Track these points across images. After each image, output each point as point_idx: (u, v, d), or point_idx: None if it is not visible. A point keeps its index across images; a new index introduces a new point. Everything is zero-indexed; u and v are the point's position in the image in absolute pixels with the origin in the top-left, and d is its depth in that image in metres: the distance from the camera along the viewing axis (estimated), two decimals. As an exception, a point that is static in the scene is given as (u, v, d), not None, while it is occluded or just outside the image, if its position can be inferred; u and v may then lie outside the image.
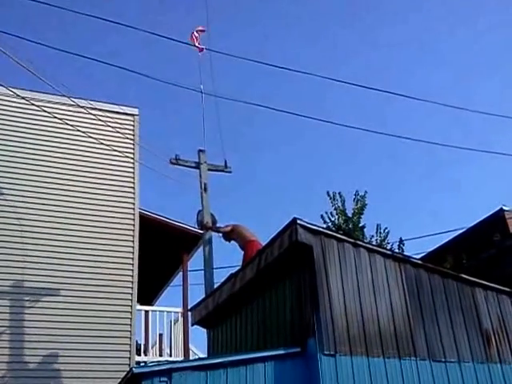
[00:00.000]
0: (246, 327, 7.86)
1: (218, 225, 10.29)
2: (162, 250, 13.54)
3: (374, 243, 14.26)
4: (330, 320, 6.45)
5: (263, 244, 8.13)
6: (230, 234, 10.01)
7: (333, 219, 15.37)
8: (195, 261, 13.91)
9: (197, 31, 10.51)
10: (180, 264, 13.76)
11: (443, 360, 6.87)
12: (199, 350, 15.40)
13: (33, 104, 10.83)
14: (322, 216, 15.27)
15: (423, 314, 7.10)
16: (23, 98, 10.78)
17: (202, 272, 10.17)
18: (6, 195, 10.86)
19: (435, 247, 14.30)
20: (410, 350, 6.78)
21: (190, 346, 12.71)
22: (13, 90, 10.40)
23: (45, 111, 10.80)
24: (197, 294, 12.28)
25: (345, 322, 6.55)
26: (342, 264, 6.86)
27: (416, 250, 13.79)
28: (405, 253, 13.52)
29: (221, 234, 10.16)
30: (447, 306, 7.33)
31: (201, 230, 10.65)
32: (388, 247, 14.38)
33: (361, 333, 6.59)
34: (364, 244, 7.48)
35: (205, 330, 9.16)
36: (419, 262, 7.65)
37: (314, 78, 11.43)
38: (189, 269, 13.87)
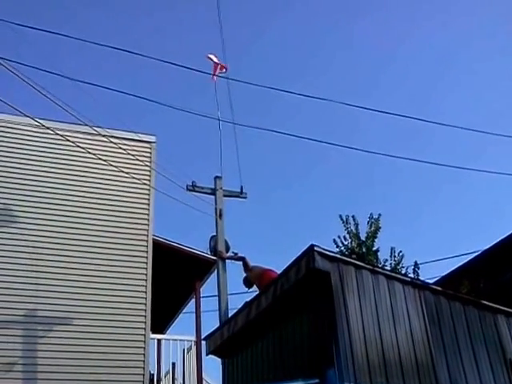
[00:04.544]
0: (262, 357, 7.72)
1: (230, 252, 10.23)
2: (174, 277, 13.38)
3: (389, 267, 14.10)
4: (349, 349, 6.30)
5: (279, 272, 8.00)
6: (249, 274, 9.97)
7: (346, 243, 15.24)
8: (208, 286, 13.78)
9: (216, 64, 10.57)
10: (193, 291, 13.58)
11: (466, 390, 6.71)
12: (213, 379, 15.14)
13: (57, 134, 10.80)
14: (334, 240, 15.15)
15: (444, 343, 6.95)
16: (48, 128, 10.74)
17: (214, 298, 10.10)
18: (20, 223, 10.79)
19: (451, 270, 14.12)
20: (431, 379, 6.63)
21: (204, 375, 12.50)
22: (38, 120, 10.38)
23: (69, 141, 10.78)
24: (209, 321, 12.14)
25: (364, 350, 6.39)
26: (360, 291, 6.74)
27: (432, 273, 13.61)
28: (420, 277, 13.38)
29: (243, 277, 10.16)
30: (468, 333, 7.18)
31: (214, 255, 10.58)
32: (403, 271, 14.22)
33: (381, 362, 6.44)
34: (382, 271, 7.36)
35: (219, 360, 9.02)
36: (439, 288, 7.51)
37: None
38: (201, 295, 13.72)
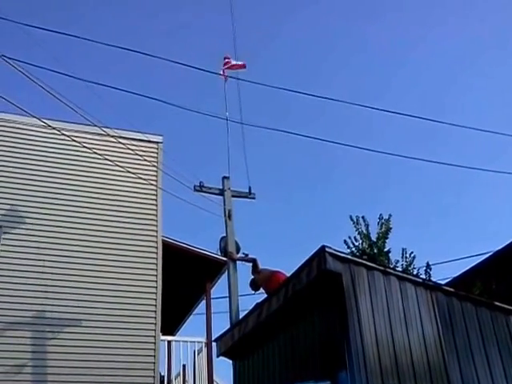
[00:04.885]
0: (273, 359, 7.66)
1: (241, 253, 10.19)
2: (184, 278, 13.35)
3: (400, 268, 14.00)
4: (361, 351, 6.22)
5: (289, 274, 7.94)
6: (257, 276, 9.94)
7: (356, 244, 15.14)
8: (218, 287, 13.75)
9: (227, 64, 10.57)
10: (203, 292, 13.54)
11: (479, 394, 6.62)
12: (224, 381, 15.08)
13: (63, 134, 10.81)
14: (345, 241, 15.05)
15: (456, 344, 6.85)
16: (54, 128, 10.75)
17: (225, 299, 10.07)
18: (27, 224, 10.81)
19: (463, 271, 14.02)
20: (443, 382, 6.52)
21: (215, 377, 12.45)
22: (44, 120, 10.39)
23: (75, 141, 10.80)
24: (220, 322, 12.10)
25: (376, 353, 6.31)
26: (371, 292, 6.66)
27: (444, 274, 13.51)
28: (432, 278, 13.27)
29: (250, 279, 10.12)
30: (481, 335, 7.08)
31: (224, 256, 10.55)
32: (414, 272, 14.11)
33: (393, 364, 6.35)
34: (394, 272, 7.27)
35: (230, 361, 8.96)
36: (451, 289, 7.40)
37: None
38: (212, 296, 13.68)
